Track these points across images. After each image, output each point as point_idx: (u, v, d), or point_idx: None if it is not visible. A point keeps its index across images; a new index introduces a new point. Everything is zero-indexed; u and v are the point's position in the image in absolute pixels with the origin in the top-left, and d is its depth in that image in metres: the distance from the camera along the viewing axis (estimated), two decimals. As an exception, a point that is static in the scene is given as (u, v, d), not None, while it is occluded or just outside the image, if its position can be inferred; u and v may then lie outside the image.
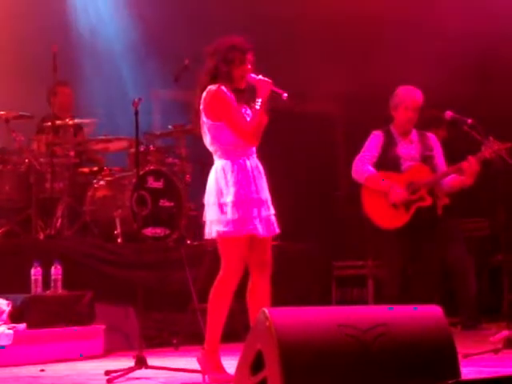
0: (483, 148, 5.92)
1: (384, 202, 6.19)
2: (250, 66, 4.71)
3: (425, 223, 6.17)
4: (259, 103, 4.63)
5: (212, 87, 4.66)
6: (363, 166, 6.25)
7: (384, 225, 6.24)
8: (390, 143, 6.30)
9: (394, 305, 3.38)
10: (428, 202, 6.19)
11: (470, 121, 5.87)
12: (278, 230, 4.79)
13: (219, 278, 4.73)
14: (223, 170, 4.67)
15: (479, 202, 7.51)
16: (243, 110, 4.72)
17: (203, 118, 4.72)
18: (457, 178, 6.15)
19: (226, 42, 4.73)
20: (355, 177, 6.31)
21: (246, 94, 4.75)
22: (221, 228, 4.63)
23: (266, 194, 4.75)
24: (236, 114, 4.65)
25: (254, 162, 4.74)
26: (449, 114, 6.01)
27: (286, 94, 4.65)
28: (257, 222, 4.64)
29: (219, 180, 4.66)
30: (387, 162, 6.25)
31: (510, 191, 6.87)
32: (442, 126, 6.96)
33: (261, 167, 4.78)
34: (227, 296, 4.72)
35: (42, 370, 5.37)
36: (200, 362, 4.78)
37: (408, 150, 6.31)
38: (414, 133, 6.37)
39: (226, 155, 4.69)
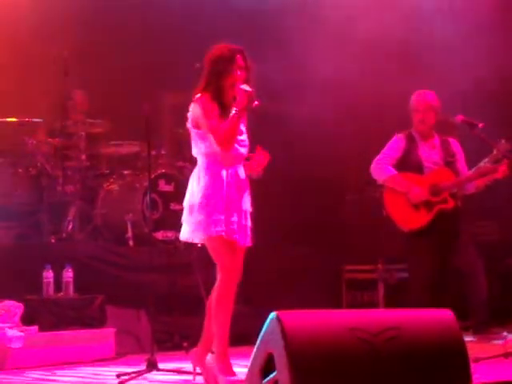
0: (495, 151, 5.92)
1: (406, 203, 6.21)
2: (239, 73, 4.74)
3: (448, 228, 6.17)
4: (234, 111, 4.69)
5: (197, 96, 4.76)
6: (383, 166, 6.28)
7: (406, 226, 6.25)
8: (411, 147, 6.33)
9: (420, 308, 3.38)
10: (450, 204, 6.20)
11: (480, 124, 5.88)
12: (250, 243, 4.82)
13: (218, 282, 4.78)
14: (198, 173, 4.77)
15: (489, 205, 7.49)
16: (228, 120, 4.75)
17: (188, 125, 4.83)
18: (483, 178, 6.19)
19: (214, 53, 4.80)
20: (375, 176, 6.33)
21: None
22: (190, 229, 4.74)
23: (244, 205, 4.78)
24: (209, 121, 4.69)
25: (234, 173, 4.77)
26: (460, 117, 6.01)
27: (256, 102, 4.71)
28: (223, 225, 4.67)
29: (193, 182, 4.76)
30: (409, 164, 6.28)
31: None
32: (454, 131, 6.95)
33: (244, 178, 4.81)
34: (228, 298, 4.76)
35: (54, 373, 5.39)
36: (193, 360, 4.87)
37: (430, 154, 6.33)
38: (437, 138, 6.38)
39: (203, 161, 4.76)
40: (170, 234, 7.27)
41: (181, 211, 7.32)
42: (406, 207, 6.21)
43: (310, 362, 3.00)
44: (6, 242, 7.06)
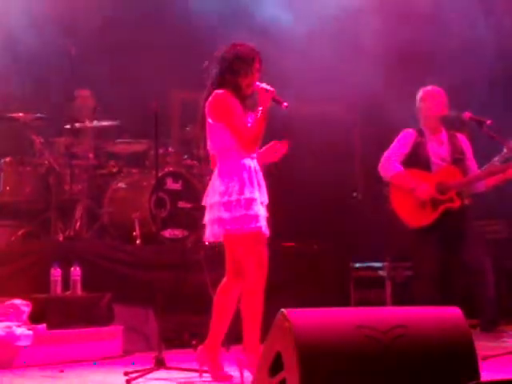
0: (506, 149, 5.90)
1: (412, 200, 6.20)
2: (256, 74, 4.76)
3: (454, 227, 6.15)
4: (260, 112, 4.69)
5: (218, 91, 4.74)
6: (391, 163, 6.26)
7: (411, 223, 6.24)
8: (420, 142, 6.31)
9: (427, 306, 3.38)
10: (457, 203, 6.18)
11: (488, 122, 5.86)
12: (268, 233, 4.82)
13: (246, 281, 4.76)
14: (227, 169, 4.72)
15: (497, 203, 7.47)
16: (248, 118, 4.78)
17: (208, 120, 4.78)
18: (494, 178, 6.16)
19: (232, 52, 4.78)
20: (382, 173, 6.31)
21: (251, 100, 4.81)
22: (226, 227, 4.68)
23: (265, 197, 4.81)
24: (237, 120, 4.70)
25: (255, 164, 4.79)
26: (467, 114, 6.00)
27: (286, 104, 4.70)
28: (261, 219, 4.70)
29: (223, 179, 4.71)
30: (417, 161, 6.26)
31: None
32: (464, 128, 6.94)
33: (260, 169, 4.83)
34: (261, 292, 4.76)
35: (62, 371, 5.40)
36: (199, 358, 4.90)
37: (438, 150, 6.30)
38: (444, 134, 6.35)
39: (228, 155, 4.74)
40: (177, 233, 7.27)
41: (188, 209, 7.41)
42: (411, 204, 6.20)
43: (318, 360, 3.00)
44: (14, 240, 7.07)
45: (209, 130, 4.80)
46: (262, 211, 4.71)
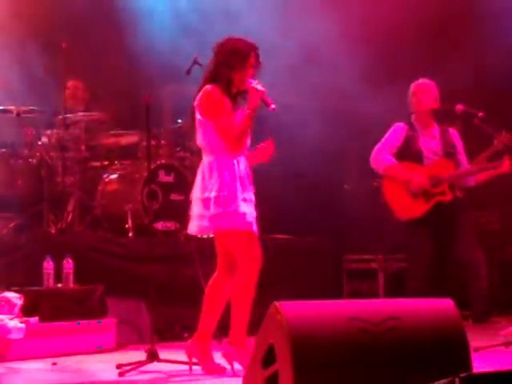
0: (495, 142, 5.91)
1: (404, 192, 6.20)
2: (251, 70, 4.75)
3: (446, 220, 6.16)
4: (247, 112, 4.70)
5: (208, 87, 4.74)
6: (383, 156, 6.25)
7: (403, 215, 6.24)
8: (412, 136, 6.30)
9: (420, 298, 3.38)
10: (449, 197, 6.18)
11: (481, 114, 5.86)
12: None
13: (238, 275, 4.77)
14: (209, 166, 4.74)
15: (489, 195, 7.49)
16: (238, 115, 4.77)
17: (196, 115, 4.79)
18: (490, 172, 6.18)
19: (229, 45, 4.77)
20: (374, 166, 6.30)
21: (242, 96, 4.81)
22: (204, 223, 4.69)
23: (251, 195, 4.80)
24: (223, 117, 4.70)
25: (242, 162, 4.79)
26: (460, 107, 6.00)
27: (274, 106, 4.69)
28: (248, 216, 4.69)
29: (205, 176, 4.73)
30: (409, 154, 6.25)
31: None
32: (456, 121, 6.94)
33: (248, 168, 4.83)
34: (252, 287, 4.77)
35: (54, 364, 5.39)
36: (188, 351, 4.90)
37: (430, 144, 6.30)
38: (436, 128, 6.34)
39: (213, 152, 4.75)
40: (169, 225, 7.27)
41: (181, 202, 7.40)
42: (404, 196, 6.21)
43: (310, 352, 3.00)
44: (6, 233, 7.06)
45: (197, 124, 4.81)
46: (245, 208, 4.68)
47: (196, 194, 4.76)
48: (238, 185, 4.70)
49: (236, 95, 4.81)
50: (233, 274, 4.83)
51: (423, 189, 6.15)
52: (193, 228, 4.82)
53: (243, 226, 4.67)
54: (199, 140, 4.83)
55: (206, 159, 4.78)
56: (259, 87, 4.69)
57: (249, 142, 4.86)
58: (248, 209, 4.72)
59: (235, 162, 4.74)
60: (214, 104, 4.70)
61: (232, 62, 4.72)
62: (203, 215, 4.70)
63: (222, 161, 4.72)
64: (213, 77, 4.77)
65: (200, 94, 4.77)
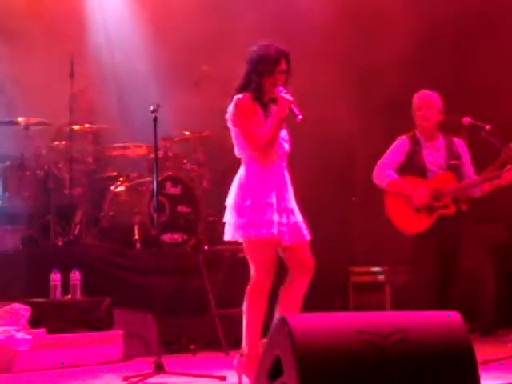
0: (502, 155, 5.89)
1: (406, 206, 6.18)
2: (281, 76, 4.70)
3: (449, 233, 6.14)
4: (275, 118, 4.67)
5: (238, 96, 4.72)
6: (385, 171, 6.23)
7: (406, 229, 6.22)
8: (415, 150, 6.26)
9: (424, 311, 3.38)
10: (451, 210, 6.15)
11: (488, 126, 5.85)
12: (307, 237, 4.75)
13: (250, 282, 4.72)
14: (240, 174, 4.74)
15: (496, 206, 7.48)
16: (270, 120, 4.73)
17: (228, 125, 4.78)
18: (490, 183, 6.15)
19: (258, 51, 4.74)
20: (376, 182, 6.28)
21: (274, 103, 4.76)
22: (237, 231, 4.67)
23: (291, 203, 4.76)
24: (250, 125, 4.68)
25: (279, 170, 4.75)
26: (467, 119, 5.99)
27: (301, 117, 4.66)
28: (275, 226, 4.62)
29: (240, 184, 4.71)
30: (413, 168, 6.22)
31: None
32: (462, 133, 6.92)
33: (287, 176, 4.79)
34: (259, 299, 4.68)
35: (61, 376, 5.39)
36: (238, 368, 4.74)
37: (434, 157, 6.26)
38: (441, 139, 6.31)
39: (245, 161, 4.75)
40: (177, 237, 7.28)
41: (188, 214, 7.41)
42: (406, 211, 6.18)
43: (317, 365, 2.99)
44: (14, 245, 7.07)
45: (233, 135, 4.79)
46: (276, 217, 4.63)
47: (229, 201, 4.74)
48: (272, 193, 4.66)
49: (268, 102, 4.76)
50: (268, 280, 4.71)
51: (425, 203, 6.13)
52: (227, 233, 4.75)
53: (268, 234, 4.61)
54: (236, 150, 4.80)
55: (242, 168, 4.76)
56: (287, 96, 4.67)
57: (287, 147, 4.80)
58: (284, 218, 4.66)
59: (269, 168, 4.70)
60: (241, 112, 4.68)
61: (261, 67, 4.69)
62: (229, 222, 4.69)
63: (252, 170, 4.70)
64: (244, 84, 4.74)
65: (231, 104, 4.74)
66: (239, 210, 4.66)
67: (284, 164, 4.80)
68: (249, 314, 4.69)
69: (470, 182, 6.19)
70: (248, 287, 4.73)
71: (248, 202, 4.64)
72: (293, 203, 4.79)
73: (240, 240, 4.72)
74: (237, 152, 4.81)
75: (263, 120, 4.71)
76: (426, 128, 6.26)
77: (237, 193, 4.71)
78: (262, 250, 4.65)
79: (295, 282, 4.75)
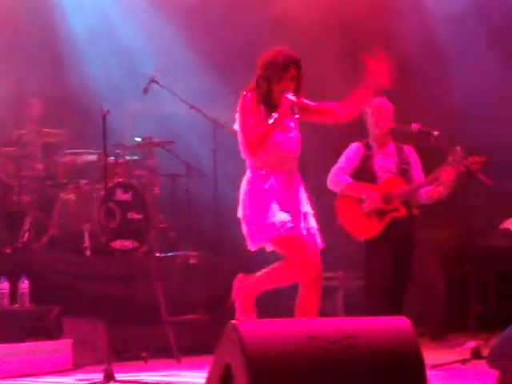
0: (450, 159, 5.96)
1: (358, 211, 6.22)
2: (290, 83, 4.60)
3: (402, 236, 6.19)
4: (273, 118, 4.56)
5: (244, 93, 4.62)
6: (339, 176, 6.28)
7: (359, 234, 6.26)
8: (367, 156, 6.33)
9: (378, 315, 3.39)
10: (402, 212, 6.21)
11: (436, 132, 5.92)
12: (320, 245, 4.66)
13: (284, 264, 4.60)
14: (247, 178, 4.63)
15: (446, 212, 7.56)
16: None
17: (234, 127, 4.69)
18: (435, 188, 6.19)
19: (268, 57, 4.65)
20: (331, 187, 6.32)
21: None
22: (249, 240, 4.58)
23: (304, 207, 4.63)
24: (248, 121, 4.56)
25: (287, 174, 4.62)
26: (416, 126, 6.05)
27: (297, 116, 4.61)
28: (281, 226, 4.49)
29: (244, 191, 4.61)
30: (364, 174, 6.28)
31: (477, 203, 6.92)
32: (410, 140, 6.99)
33: (298, 180, 4.68)
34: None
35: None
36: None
37: (385, 162, 6.33)
38: (392, 146, 6.39)
39: (250, 165, 4.64)
40: (127, 243, 7.22)
41: (139, 220, 7.36)
42: (358, 216, 6.23)
43: (268, 372, 2.99)
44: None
45: (238, 136, 4.68)
46: (280, 217, 4.49)
47: (240, 211, 4.62)
48: (273, 197, 4.54)
49: (277, 107, 4.60)
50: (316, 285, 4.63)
51: (375, 207, 6.18)
52: (250, 245, 4.65)
53: (285, 232, 4.49)
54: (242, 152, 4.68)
55: (247, 173, 4.65)
56: (290, 96, 4.56)
57: (296, 150, 4.67)
58: (286, 216, 4.51)
59: (270, 174, 4.58)
60: (242, 108, 4.59)
61: (270, 74, 4.61)
62: (245, 233, 4.60)
63: (254, 173, 4.60)
64: (252, 88, 4.64)
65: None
66: (246, 218, 4.56)
67: (294, 167, 4.67)
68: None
69: (418, 184, 6.26)
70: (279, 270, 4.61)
71: (251, 209, 4.55)
72: (307, 208, 4.65)
73: (267, 246, 4.61)
74: (242, 154, 4.66)
75: (263, 119, 4.58)
76: (378, 135, 6.33)
77: (242, 200, 4.60)
78: (289, 245, 4.52)
79: (306, 295, 4.63)
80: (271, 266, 4.63)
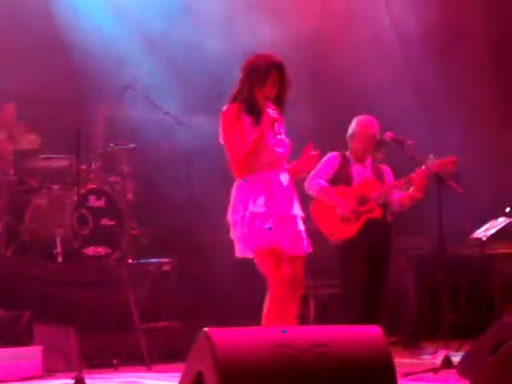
0: (423, 167, 5.98)
1: (333, 214, 6.23)
2: (273, 87, 4.58)
3: (377, 237, 6.20)
4: (257, 134, 4.54)
5: (225, 107, 4.62)
6: (315, 180, 6.30)
7: (334, 236, 6.26)
8: (344, 165, 6.36)
9: (354, 322, 3.40)
10: (377, 213, 6.23)
11: (409, 142, 5.96)
12: (308, 249, 4.65)
13: (268, 297, 4.57)
14: (234, 187, 4.61)
15: (419, 221, 7.59)
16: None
17: (220, 141, 4.66)
18: (406, 194, 6.22)
19: (250, 62, 4.63)
20: (308, 191, 6.34)
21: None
22: (236, 247, 4.57)
23: (292, 210, 4.60)
24: (232, 136, 4.55)
25: (273, 177, 4.59)
26: (389, 135, 6.08)
27: (280, 136, 4.60)
28: (270, 235, 4.48)
29: (232, 198, 4.60)
30: (340, 180, 6.31)
31: (449, 212, 6.94)
32: (381, 148, 7.02)
33: (287, 182, 4.64)
34: (283, 313, 4.55)
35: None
36: None
37: (361, 171, 6.36)
38: (369, 161, 6.43)
39: (237, 172, 4.62)
40: (100, 250, 7.18)
41: (112, 227, 7.32)
42: (333, 218, 6.25)
43: (239, 380, 2.99)
44: None
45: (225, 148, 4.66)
46: (268, 225, 4.47)
47: (229, 218, 4.61)
48: (258, 202, 4.51)
49: (261, 113, 4.57)
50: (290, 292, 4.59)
51: (351, 210, 6.20)
52: (238, 252, 4.62)
53: (266, 242, 4.47)
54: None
55: (235, 181, 4.63)
56: (271, 112, 4.52)
57: (283, 152, 4.64)
58: (273, 225, 4.49)
59: (255, 179, 4.55)
60: (224, 124, 4.57)
61: (252, 79, 4.57)
62: (234, 237, 4.58)
63: (239, 181, 4.57)
64: (236, 94, 4.62)
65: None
66: (233, 224, 4.55)
67: (282, 170, 4.64)
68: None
69: (392, 184, 6.29)
70: (267, 302, 4.57)
71: (238, 216, 4.52)
72: (296, 210, 4.63)
73: (247, 256, 4.58)
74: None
75: (250, 129, 4.57)
76: (358, 151, 6.35)
77: (230, 208, 4.59)
78: (266, 260, 4.50)
79: (287, 303, 4.57)
80: (264, 306, 4.60)
